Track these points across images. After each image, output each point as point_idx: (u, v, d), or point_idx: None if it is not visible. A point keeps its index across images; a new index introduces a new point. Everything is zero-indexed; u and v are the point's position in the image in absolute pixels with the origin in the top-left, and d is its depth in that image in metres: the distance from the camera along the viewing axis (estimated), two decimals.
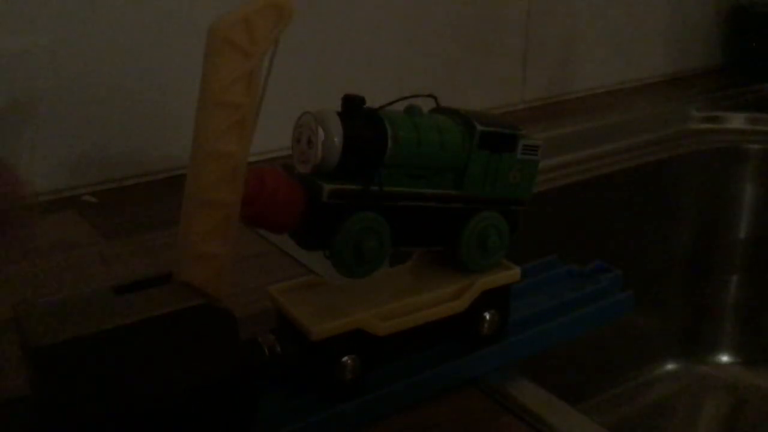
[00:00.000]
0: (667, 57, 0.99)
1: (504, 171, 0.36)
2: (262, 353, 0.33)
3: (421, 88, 0.36)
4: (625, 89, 0.95)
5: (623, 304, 0.42)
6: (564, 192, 0.70)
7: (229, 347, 0.29)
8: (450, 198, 0.35)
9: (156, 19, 0.61)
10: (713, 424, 0.79)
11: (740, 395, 0.81)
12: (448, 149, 0.34)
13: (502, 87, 0.85)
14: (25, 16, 0.56)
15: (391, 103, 0.34)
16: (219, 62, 0.27)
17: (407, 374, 0.35)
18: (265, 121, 0.31)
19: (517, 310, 0.39)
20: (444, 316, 0.36)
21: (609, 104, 0.89)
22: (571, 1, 0.87)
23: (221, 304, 0.29)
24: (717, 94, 0.92)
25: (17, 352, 0.28)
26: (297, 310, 0.33)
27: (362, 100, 0.32)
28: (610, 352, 0.77)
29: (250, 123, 0.29)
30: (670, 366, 0.83)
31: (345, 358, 0.33)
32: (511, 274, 0.38)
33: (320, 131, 0.31)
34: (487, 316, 0.37)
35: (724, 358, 0.84)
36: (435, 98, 0.36)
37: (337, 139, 0.31)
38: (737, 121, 0.85)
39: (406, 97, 0.35)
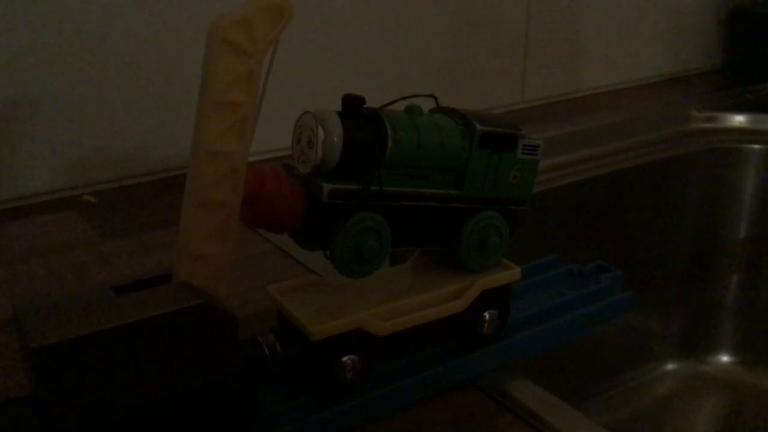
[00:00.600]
0: (667, 57, 0.99)
1: (504, 171, 0.36)
2: (262, 353, 0.33)
3: (421, 88, 0.36)
4: (625, 89, 0.95)
5: (623, 304, 0.42)
6: (564, 192, 0.70)
7: (229, 347, 0.29)
8: (450, 198, 0.35)
9: (156, 19, 0.61)
10: (713, 424, 0.79)
11: (740, 395, 0.81)
12: (448, 149, 0.34)
13: (502, 87, 0.85)
14: (26, 15, 0.56)
15: (391, 103, 0.34)
16: (219, 62, 0.27)
17: (407, 374, 0.35)
18: (265, 121, 0.31)
19: (517, 310, 0.39)
20: (444, 316, 0.36)
21: (609, 104, 0.89)
22: (571, 1, 0.87)
23: (221, 304, 0.29)
24: (717, 94, 0.92)
25: (17, 351, 0.28)
26: (297, 310, 0.33)
27: (362, 100, 0.32)
28: (610, 352, 0.77)
29: (250, 123, 0.29)
30: (670, 366, 0.83)
31: (345, 358, 0.33)
32: (511, 274, 0.38)
33: (320, 131, 0.31)
34: (487, 316, 0.37)
35: (724, 358, 0.84)
36: (435, 98, 0.36)
37: (337, 139, 0.31)
38: (737, 121, 0.85)
39: (406, 97, 0.35)
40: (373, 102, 0.33)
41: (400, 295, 0.35)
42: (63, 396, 0.26)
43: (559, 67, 0.89)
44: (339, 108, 0.32)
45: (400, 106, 0.34)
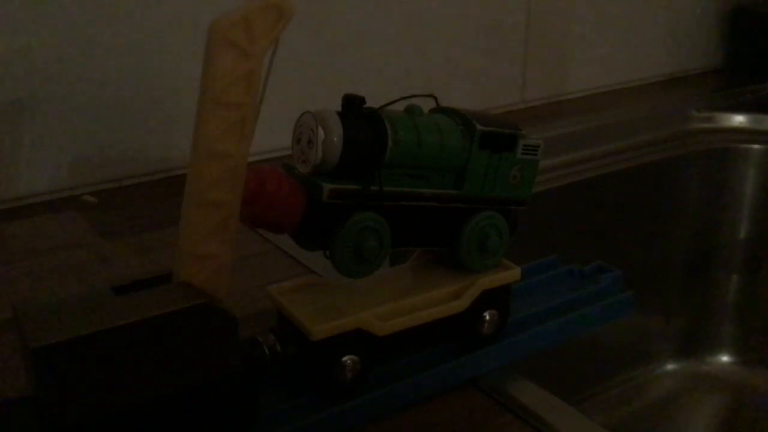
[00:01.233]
0: (667, 57, 0.99)
1: (504, 171, 0.36)
2: (262, 353, 0.33)
3: (421, 88, 0.36)
4: (625, 89, 0.95)
5: (623, 304, 0.42)
6: (564, 192, 0.70)
7: (229, 347, 0.29)
8: (450, 198, 0.35)
9: (156, 19, 0.61)
10: (713, 424, 0.79)
11: (740, 395, 0.81)
12: (448, 149, 0.34)
13: (502, 87, 0.85)
14: (26, 16, 0.56)
15: (391, 103, 0.34)
16: (219, 62, 0.27)
17: (407, 374, 0.35)
18: (265, 121, 0.31)
19: (517, 310, 0.39)
20: (444, 316, 0.36)
21: (609, 104, 0.89)
22: (570, 1, 0.87)
23: (221, 304, 0.29)
24: (717, 94, 0.92)
25: (17, 352, 0.28)
26: (297, 310, 0.33)
27: (362, 100, 0.32)
28: (610, 351, 0.77)
29: (250, 123, 0.29)
30: (670, 366, 0.83)
31: (345, 358, 0.33)
32: (511, 274, 0.38)
33: (320, 131, 0.31)
34: (487, 316, 0.37)
35: (724, 358, 0.84)
36: (435, 98, 0.36)
37: (337, 139, 0.31)
38: (737, 121, 0.85)
39: (406, 97, 0.35)
40: (373, 102, 0.33)
41: (400, 295, 0.35)
42: (63, 396, 0.26)
43: (559, 68, 0.89)
44: (339, 108, 0.32)
45: (400, 106, 0.34)
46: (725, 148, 0.82)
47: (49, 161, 0.60)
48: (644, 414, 0.77)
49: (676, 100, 0.91)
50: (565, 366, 0.67)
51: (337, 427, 0.33)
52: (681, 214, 0.82)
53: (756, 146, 0.82)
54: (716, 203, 0.83)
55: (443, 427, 0.34)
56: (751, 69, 0.99)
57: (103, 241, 0.53)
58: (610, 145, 0.77)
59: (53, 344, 0.25)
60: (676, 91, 0.95)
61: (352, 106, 0.32)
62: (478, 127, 0.35)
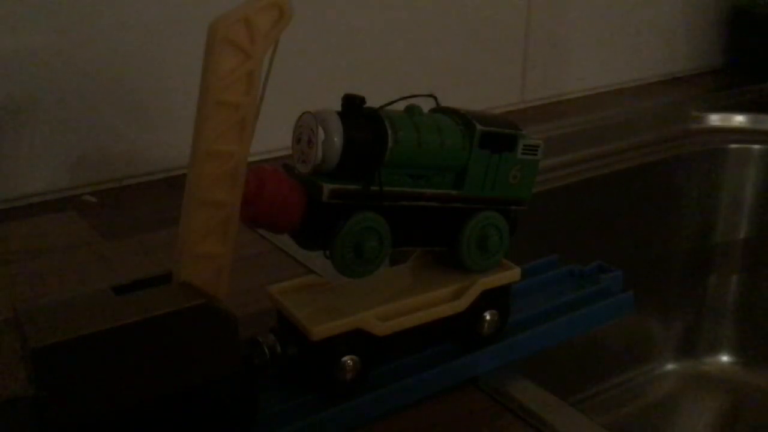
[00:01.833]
0: (667, 57, 0.99)
1: (504, 171, 0.36)
2: (262, 353, 0.33)
3: (421, 88, 0.36)
4: (625, 89, 0.95)
5: (623, 304, 0.42)
6: (564, 192, 0.70)
7: (229, 347, 0.29)
8: (450, 198, 0.35)
9: (156, 18, 0.61)
10: (713, 424, 0.79)
11: (740, 395, 0.81)
12: (448, 149, 0.34)
13: (502, 87, 0.85)
14: (25, 16, 0.56)
15: (391, 103, 0.34)
16: (219, 62, 0.27)
17: (407, 374, 0.35)
18: (265, 121, 0.31)
19: (517, 310, 0.39)
20: (444, 316, 0.36)
21: (609, 104, 0.89)
22: (570, 1, 0.87)
23: (221, 304, 0.29)
24: (717, 94, 0.92)
25: (17, 352, 0.28)
26: (297, 310, 0.33)
27: (362, 100, 0.32)
28: (610, 351, 0.77)
29: (250, 123, 0.29)
30: (670, 366, 0.83)
31: (345, 358, 0.33)
32: (511, 274, 0.38)
33: (320, 131, 0.31)
34: (487, 316, 0.37)
35: (724, 358, 0.84)
36: (435, 98, 0.36)
37: (337, 139, 0.31)
38: (737, 121, 0.85)
39: (406, 97, 0.35)
40: (373, 102, 0.33)
41: (400, 295, 0.35)
42: (63, 396, 0.26)
43: (559, 68, 0.89)
44: (339, 108, 0.32)
45: (400, 106, 0.34)
46: (725, 148, 0.82)
47: (49, 161, 0.60)
48: (644, 414, 0.77)
49: (676, 100, 0.91)
50: (565, 366, 0.67)
51: (337, 427, 0.33)
52: (681, 214, 0.82)
53: (756, 146, 0.82)
54: (716, 203, 0.83)
55: (443, 427, 0.34)
56: (751, 69, 0.99)
57: (103, 241, 0.53)
58: (610, 145, 0.77)
59: (53, 344, 0.25)
60: (676, 91, 0.95)
61: (352, 106, 0.32)
62: (478, 127, 0.35)
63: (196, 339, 0.28)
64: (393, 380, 0.35)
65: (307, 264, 0.49)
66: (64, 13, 0.57)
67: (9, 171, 0.58)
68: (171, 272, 0.30)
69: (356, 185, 0.32)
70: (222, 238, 0.29)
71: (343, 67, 0.71)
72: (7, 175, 0.58)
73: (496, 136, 0.36)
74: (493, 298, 0.37)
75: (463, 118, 0.35)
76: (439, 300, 0.36)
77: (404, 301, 0.35)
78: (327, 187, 0.31)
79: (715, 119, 0.85)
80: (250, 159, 0.29)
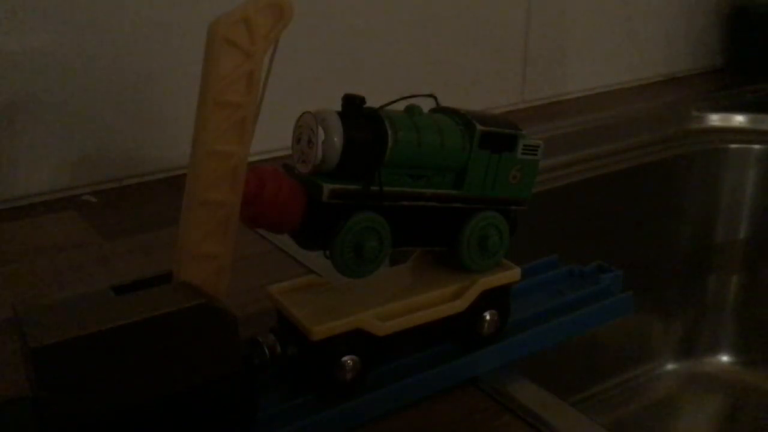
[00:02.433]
0: (667, 57, 0.99)
1: (504, 171, 0.36)
2: (262, 353, 0.33)
3: (421, 88, 0.36)
4: (624, 89, 0.95)
5: (623, 304, 0.42)
6: (564, 192, 0.70)
7: (229, 347, 0.29)
8: (450, 198, 0.35)
9: (156, 18, 0.61)
10: (713, 424, 0.79)
11: (740, 395, 0.81)
12: (448, 149, 0.34)
13: (502, 87, 0.85)
14: (26, 16, 0.56)
15: (391, 103, 0.34)
16: (219, 62, 0.27)
17: (407, 374, 0.35)
18: (265, 121, 0.31)
19: (517, 310, 0.39)
20: (444, 316, 0.36)
21: (609, 104, 0.89)
22: (570, 1, 0.87)
23: (221, 304, 0.29)
24: (717, 94, 0.92)
25: (17, 352, 0.28)
26: (297, 310, 0.33)
27: (362, 100, 0.32)
28: (610, 351, 0.77)
29: (250, 123, 0.29)
30: (670, 366, 0.83)
31: (345, 358, 0.33)
32: (511, 274, 0.38)
33: (320, 131, 0.31)
34: (487, 316, 0.37)
35: (724, 358, 0.84)
36: (435, 98, 0.36)
37: (337, 139, 0.31)
38: (737, 121, 0.85)
39: (406, 97, 0.35)
40: (373, 102, 0.33)
41: (400, 295, 0.35)
42: (63, 396, 0.26)
43: (559, 68, 0.89)
44: (339, 108, 0.32)
45: (400, 106, 0.34)
46: (725, 148, 0.82)
47: (49, 161, 0.60)
48: (644, 414, 0.77)
49: (676, 100, 0.91)
50: (565, 366, 0.67)
51: (337, 427, 0.33)
52: (681, 214, 0.82)
53: (756, 146, 0.82)
54: (716, 203, 0.83)
55: (443, 427, 0.34)
56: (751, 69, 0.99)
57: (103, 241, 0.53)
58: (610, 145, 0.77)
59: (53, 344, 0.25)
60: (676, 91, 0.95)
61: (352, 106, 0.32)
62: (478, 127, 0.35)
63: (196, 339, 0.28)
64: (393, 380, 0.35)
65: (307, 264, 0.49)
66: (65, 14, 0.57)
67: (9, 171, 0.58)
68: (171, 272, 0.30)
69: (356, 185, 0.32)
70: (222, 238, 0.29)
71: (343, 67, 0.71)
72: (7, 175, 0.58)
73: (496, 136, 0.36)
74: (493, 298, 0.37)
75: (463, 118, 0.35)
76: (439, 300, 0.36)
77: (404, 301, 0.35)
78: (327, 187, 0.31)
79: (715, 119, 0.85)
80: (250, 159, 0.29)
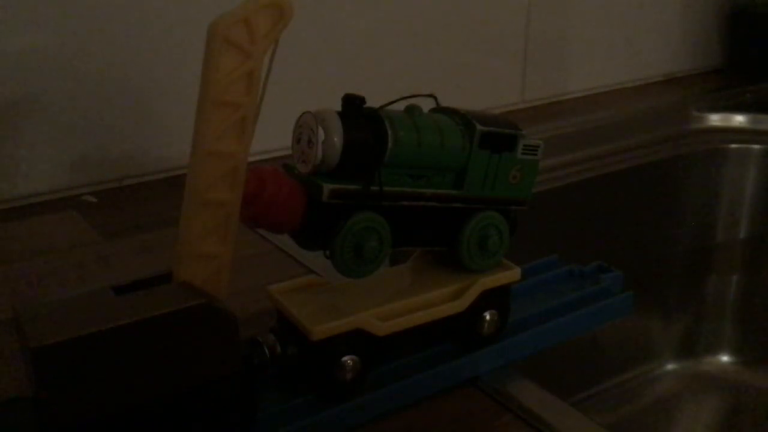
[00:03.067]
0: (667, 57, 0.99)
1: (504, 171, 0.36)
2: (262, 353, 0.33)
3: (421, 88, 0.36)
4: (624, 89, 0.95)
5: (623, 304, 0.42)
6: (564, 192, 0.70)
7: (229, 347, 0.29)
8: (450, 198, 0.35)
9: (156, 18, 0.61)
10: (713, 424, 0.79)
11: (740, 395, 0.81)
12: (448, 149, 0.34)
13: (502, 87, 0.85)
14: (26, 16, 0.56)
15: (391, 103, 0.34)
16: (219, 62, 0.27)
17: (407, 374, 0.35)
18: (265, 121, 0.31)
19: (517, 310, 0.39)
20: (444, 316, 0.36)
21: (609, 104, 0.89)
22: (570, 1, 0.87)
23: (221, 304, 0.29)
24: (717, 94, 0.92)
25: (17, 352, 0.28)
26: (297, 310, 0.33)
27: (362, 100, 0.32)
28: (610, 351, 0.77)
29: (250, 123, 0.29)
30: (670, 366, 0.83)
31: (345, 358, 0.33)
32: (511, 274, 0.38)
33: (320, 131, 0.31)
34: (487, 316, 0.37)
35: (724, 358, 0.84)
36: (435, 98, 0.36)
37: (337, 139, 0.31)
38: (737, 121, 0.85)
39: (406, 97, 0.35)
40: (373, 102, 0.33)
41: (400, 295, 0.35)
42: (63, 396, 0.26)
43: (559, 67, 0.89)
44: (339, 108, 0.32)
45: (400, 106, 0.34)
46: (725, 148, 0.82)
47: (49, 161, 0.60)
48: (644, 414, 0.77)
49: (676, 100, 0.91)
50: (565, 366, 0.67)
51: (337, 427, 0.33)
52: (681, 214, 0.82)
53: (756, 146, 0.82)
54: (716, 203, 0.83)
55: (443, 427, 0.34)
56: (751, 69, 0.99)
57: (103, 241, 0.53)
58: (610, 145, 0.77)
59: (53, 344, 0.25)
60: (676, 91, 0.95)
61: (352, 106, 0.32)
62: (478, 127, 0.35)
63: (196, 339, 0.28)
64: (393, 380, 0.35)
65: (307, 264, 0.49)
66: (65, 14, 0.57)
67: (9, 171, 0.58)
68: (171, 272, 0.30)
69: (356, 185, 0.32)
70: (222, 238, 0.29)
71: (342, 67, 0.71)
72: (7, 175, 0.58)
73: (496, 136, 0.36)
74: (493, 298, 0.37)
75: (463, 118, 0.35)
76: (439, 300, 0.36)
77: (404, 301, 0.35)
78: (327, 187, 0.31)
79: (715, 119, 0.85)
80: (250, 159, 0.29)
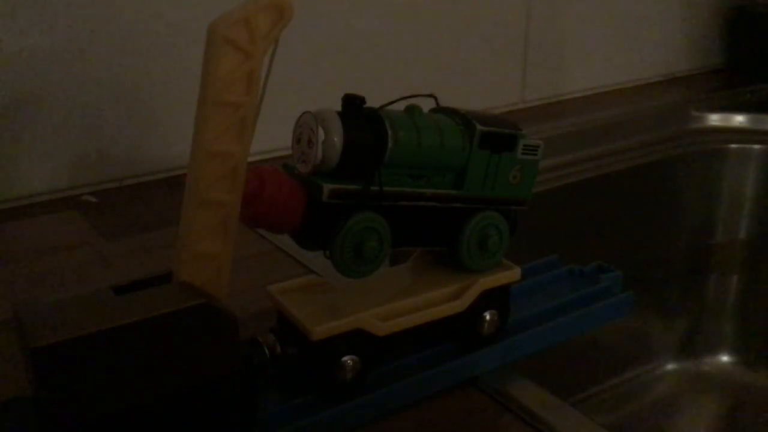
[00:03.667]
0: (667, 57, 0.99)
1: (504, 171, 0.36)
2: (262, 353, 0.33)
3: (421, 88, 0.36)
4: (624, 89, 0.95)
5: (623, 304, 0.42)
6: (564, 192, 0.70)
7: (229, 347, 0.29)
8: (450, 198, 0.35)
9: (156, 18, 0.61)
10: (713, 424, 0.79)
11: (740, 395, 0.81)
12: (448, 149, 0.34)
13: (502, 87, 0.85)
14: (27, 17, 0.56)
15: (391, 103, 0.34)
16: (219, 62, 0.27)
17: (407, 374, 0.35)
18: (265, 121, 0.31)
19: (517, 310, 0.39)
20: (444, 316, 0.36)
21: (609, 104, 0.89)
22: (570, 1, 0.87)
23: (221, 304, 0.29)
24: (717, 94, 0.92)
25: (17, 352, 0.28)
26: (297, 310, 0.33)
27: (362, 100, 0.32)
28: (610, 351, 0.77)
29: (250, 123, 0.29)
30: (670, 366, 0.83)
31: (345, 358, 0.33)
32: (511, 274, 0.38)
33: (320, 131, 0.31)
34: (487, 316, 0.37)
35: (724, 358, 0.84)
36: (435, 98, 0.36)
37: (337, 139, 0.31)
38: (737, 121, 0.85)
39: (406, 97, 0.35)
40: (373, 102, 0.33)
41: (400, 295, 0.35)
42: (63, 396, 0.26)
43: (559, 67, 0.89)
44: (339, 108, 0.32)
45: (400, 106, 0.34)
46: (725, 148, 0.82)
47: (49, 161, 0.60)
48: (644, 414, 0.77)
49: (676, 100, 0.91)
50: (565, 366, 0.67)
51: (337, 427, 0.33)
52: (681, 214, 0.82)
53: (756, 146, 0.82)
54: (716, 203, 0.83)
55: (443, 427, 0.34)
56: (751, 69, 0.99)
57: (103, 241, 0.53)
58: (610, 145, 0.77)
59: (53, 344, 0.25)
60: (676, 91, 0.95)
61: (352, 106, 0.32)
62: (478, 127, 0.35)
63: (196, 339, 0.28)
64: (393, 380, 0.35)
65: (307, 264, 0.49)
66: (64, 14, 0.57)
67: (9, 171, 0.58)
68: (171, 272, 0.30)
69: (356, 185, 0.32)
70: (222, 237, 0.29)
71: (343, 67, 0.71)
72: (7, 175, 0.58)
73: (496, 136, 0.36)
74: (493, 298, 0.37)
75: (463, 118, 0.35)
76: (439, 300, 0.36)
77: (404, 301, 0.35)
78: (327, 187, 0.31)
79: (715, 119, 0.85)
80: (250, 159, 0.29)
